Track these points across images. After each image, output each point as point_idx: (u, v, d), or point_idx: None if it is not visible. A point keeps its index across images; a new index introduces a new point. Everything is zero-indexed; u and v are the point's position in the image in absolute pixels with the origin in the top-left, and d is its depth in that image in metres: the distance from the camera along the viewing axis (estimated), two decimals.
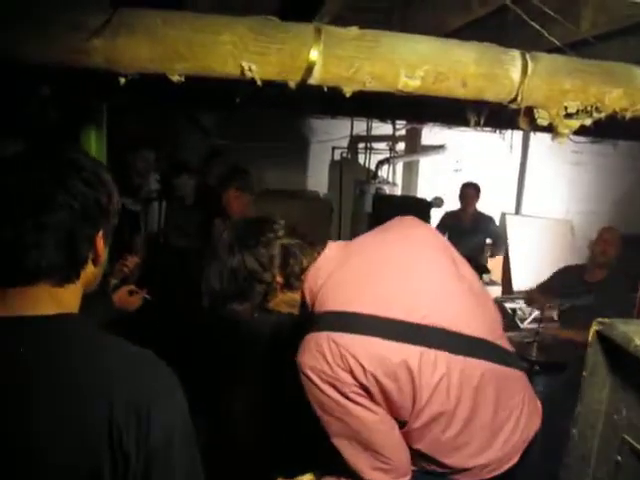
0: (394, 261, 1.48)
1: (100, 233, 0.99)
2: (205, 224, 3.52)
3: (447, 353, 1.37)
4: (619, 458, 0.95)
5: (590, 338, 0.99)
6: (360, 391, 1.33)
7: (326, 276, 1.45)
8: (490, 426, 1.43)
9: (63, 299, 0.97)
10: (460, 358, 1.38)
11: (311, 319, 1.44)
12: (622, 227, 6.47)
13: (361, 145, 6.66)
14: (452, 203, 5.31)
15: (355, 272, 1.45)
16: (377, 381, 1.32)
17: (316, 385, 1.33)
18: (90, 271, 1.01)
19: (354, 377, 1.31)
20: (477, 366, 1.40)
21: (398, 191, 6.51)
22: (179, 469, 0.95)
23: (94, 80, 1.71)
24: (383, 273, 1.44)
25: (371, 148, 6.64)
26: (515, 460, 1.46)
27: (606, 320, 0.98)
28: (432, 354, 1.35)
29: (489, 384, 1.41)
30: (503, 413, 1.44)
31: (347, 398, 1.33)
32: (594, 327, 0.98)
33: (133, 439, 0.90)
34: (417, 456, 1.45)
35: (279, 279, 1.50)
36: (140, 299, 2.61)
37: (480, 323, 1.48)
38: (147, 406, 0.91)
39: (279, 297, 1.55)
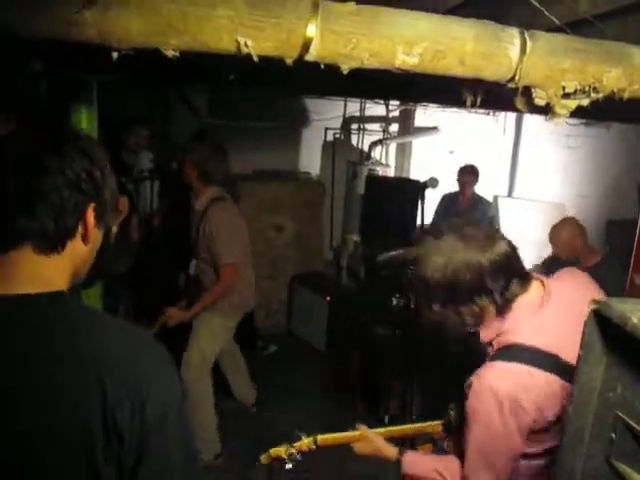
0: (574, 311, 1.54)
1: (91, 207, 0.98)
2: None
3: None
4: (613, 435, 0.96)
5: (586, 317, 0.99)
6: (533, 425, 1.46)
7: (526, 311, 1.55)
8: None
9: (49, 276, 0.96)
10: None
11: (506, 348, 1.53)
12: (614, 211, 6.55)
13: (354, 126, 6.63)
14: (445, 185, 5.30)
15: (555, 318, 1.53)
16: (554, 415, 1.45)
17: (500, 409, 1.43)
18: (79, 248, 1.00)
19: (541, 412, 1.44)
20: None
21: (391, 172, 6.51)
22: (173, 448, 0.95)
23: (86, 55, 1.68)
24: (570, 322, 1.48)
25: (364, 129, 6.61)
26: None
27: (602, 299, 0.98)
28: None
29: None
30: None
31: (518, 427, 1.45)
32: (591, 306, 0.98)
33: (127, 419, 0.89)
34: None
35: None
36: None
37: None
38: (141, 386, 0.91)
39: None
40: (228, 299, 3.30)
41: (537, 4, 1.60)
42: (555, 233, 3.51)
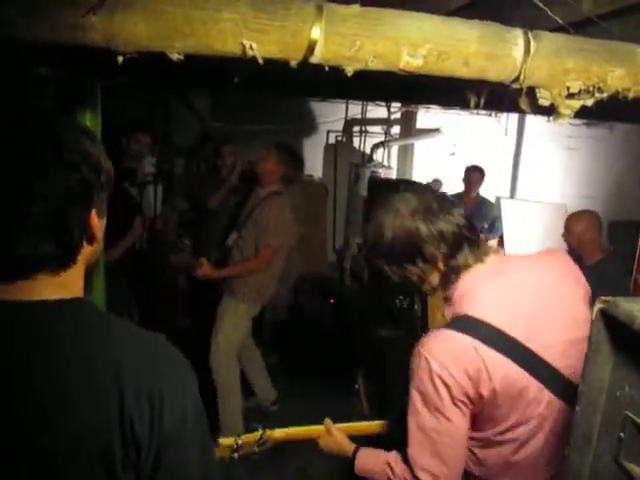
0: (539, 288, 1.52)
1: (93, 212, 0.95)
2: None
3: (552, 395, 1.45)
4: (622, 434, 0.96)
5: (593, 316, 0.99)
6: (467, 400, 1.40)
7: (479, 281, 1.51)
8: (542, 466, 1.52)
9: (66, 283, 0.95)
10: (558, 402, 1.46)
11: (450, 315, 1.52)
12: (617, 212, 6.54)
13: (356, 128, 6.64)
14: (447, 186, 5.31)
15: (506, 291, 1.50)
16: (494, 397, 1.40)
17: (432, 379, 1.39)
18: (87, 250, 0.98)
19: (476, 389, 1.38)
20: (564, 410, 1.46)
21: (393, 174, 6.51)
22: (191, 454, 0.95)
23: (90, 59, 1.68)
24: (528, 298, 1.49)
25: (366, 131, 6.63)
26: None
27: (609, 298, 0.98)
28: (546, 395, 1.44)
29: (562, 427, 1.46)
30: (555, 461, 1.49)
31: (453, 402, 1.40)
32: (597, 305, 0.98)
33: (146, 425, 0.89)
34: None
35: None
36: None
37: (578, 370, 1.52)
38: (159, 391, 0.90)
39: None
40: (253, 287, 3.51)
41: (541, 4, 1.60)
42: (571, 221, 3.53)
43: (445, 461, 1.44)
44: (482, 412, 1.45)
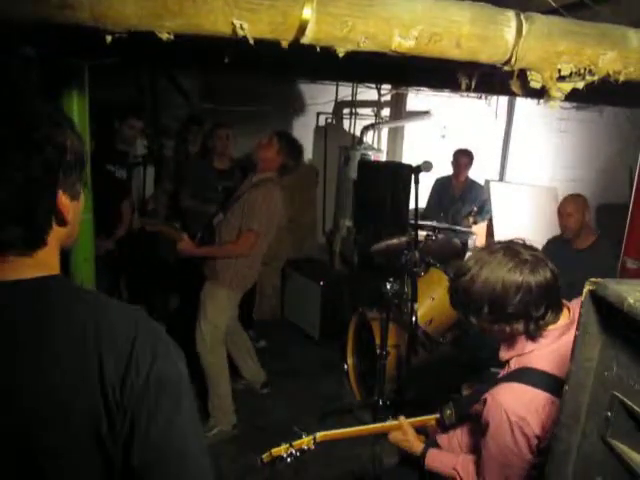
0: None
1: (60, 193, 0.93)
2: None
3: None
4: (609, 414, 0.97)
5: (583, 298, 1.00)
6: (540, 443, 1.52)
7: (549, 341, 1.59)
8: None
9: (40, 263, 0.95)
10: None
11: (520, 369, 1.59)
12: (605, 195, 6.58)
13: (346, 110, 6.60)
14: (437, 169, 5.30)
15: (563, 347, 1.54)
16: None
17: (512, 431, 1.51)
18: (59, 232, 0.97)
19: (546, 433, 1.49)
20: None
21: (383, 157, 6.50)
22: (168, 433, 0.92)
23: (77, 39, 1.66)
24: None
25: (356, 114, 6.59)
26: None
27: (599, 280, 0.99)
28: None
29: None
30: None
31: (529, 448, 1.53)
32: (587, 287, 0.99)
33: (126, 391, 0.89)
34: None
35: None
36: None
37: None
38: (135, 356, 0.90)
39: None
40: (234, 272, 3.46)
41: None
42: (567, 205, 3.58)
43: None
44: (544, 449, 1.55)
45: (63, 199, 0.94)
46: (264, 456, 1.92)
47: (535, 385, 1.52)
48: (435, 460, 1.90)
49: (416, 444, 1.95)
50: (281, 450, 1.90)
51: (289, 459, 1.90)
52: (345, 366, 4.24)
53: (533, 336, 1.58)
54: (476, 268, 1.55)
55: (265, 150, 3.52)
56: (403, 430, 1.98)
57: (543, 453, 1.55)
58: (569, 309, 1.64)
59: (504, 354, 1.67)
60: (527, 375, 1.55)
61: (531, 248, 1.59)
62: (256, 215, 3.37)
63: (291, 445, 1.90)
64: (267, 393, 4.09)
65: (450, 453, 1.93)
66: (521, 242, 1.62)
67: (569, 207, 3.54)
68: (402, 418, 2.00)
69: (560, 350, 1.54)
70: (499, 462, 1.60)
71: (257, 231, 3.38)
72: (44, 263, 0.95)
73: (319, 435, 1.94)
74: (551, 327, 1.58)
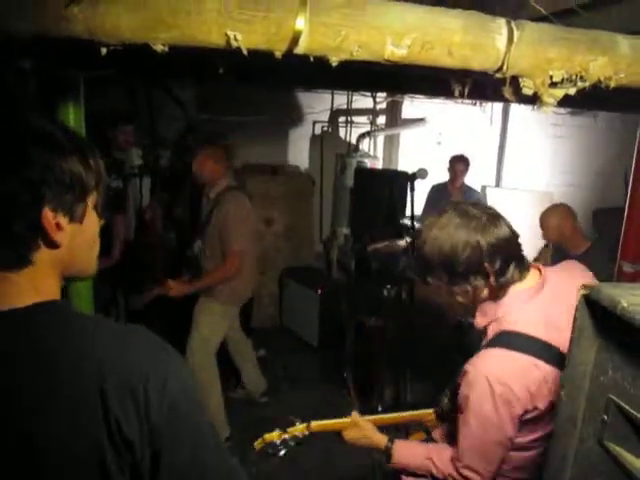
0: (568, 298, 1.48)
1: (45, 212, 0.90)
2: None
3: None
4: (605, 417, 0.98)
5: (577, 302, 1.01)
6: (523, 413, 1.47)
7: (522, 300, 1.56)
8: None
9: (29, 284, 0.92)
10: None
11: (500, 333, 1.54)
12: (601, 199, 6.60)
13: (342, 119, 6.63)
14: (433, 175, 5.32)
15: (545, 306, 1.54)
16: (548, 408, 1.46)
17: (494, 399, 1.45)
18: (52, 255, 0.93)
19: (534, 403, 1.46)
20: None
21: (379, 164, 6.52)
22: (191, 440, 0.92)
23: (72, 51, 1.67)
24: (562, 309, 1.46)
25: (352, 122, 6.62)
26: None
27: (593, 284, 1.00)
28: None
29: None
30: None
31: (511, 418, 1.47)
32: (581, 292, 1.00)
33: (134, 423, 0.86)
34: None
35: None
36: None
37: None
38: (143, 386, 0.87)
39: None
40: (229, 286, 3.40)
41: None
42: (544, 218, 3.54)
43: (491, 462, 1.53)
44: (529, 420, 1.51)
45: (49, 217, 0.90)
46: (256, 443, 1.87)
47: (516, 348, 1.46)
48: (404, 452, 1.74)
49: (377, 437, 1.80)
50: (274, 436, 1.84)
51: (283, 450, 1.83)
52: (344, 373, 4.23)
53: (497, 293, 1.55)
54: (427, 230, 1.56)
55: (204, 169, 3.43)
56: (358, 426, 1.84)
57: (525, 425, 1.51)
58: (540, 271, 1.62)
59: (479, 321, 1.62)
60: (506, 339, 1.49)
61: (483, 206, 1.60)
62: (233, 234, 3.31)
63: (285, 431, 1.84)
64: (266, 402, 4.09)
65: (422, 443, 1.81)
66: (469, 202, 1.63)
67: (544, 221, 3.53)
68: (354, 413, 1.87)
69: (536, 311, 1.51)
70: (478, 438, 1.51)
71: (240, 250, 3.33)
72: (36, 287, 0.92)
73: (314, 424, 1.87)
74: (520, 287, 1.55)
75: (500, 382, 1.43)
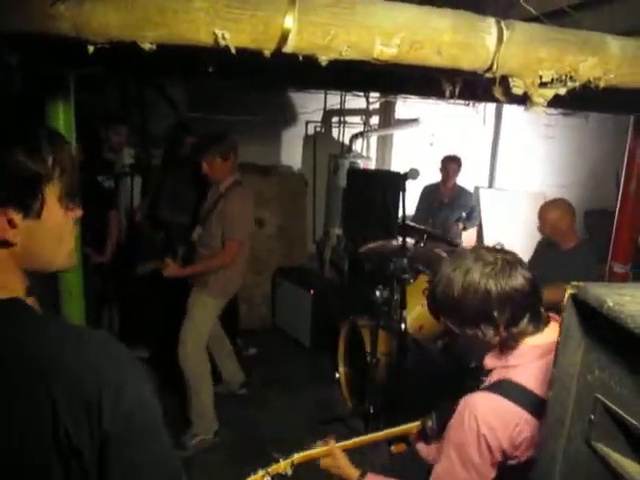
0: None
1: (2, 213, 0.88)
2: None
3: None
4: (592, 417, 0.97)
5: (564, 302, 1.01)
6: (503, 459, 1.49)
7: (533, 355, 1.53)
8: None
9: None
10: None
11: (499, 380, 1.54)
12: (593, 200, 6.62)
13: (335, 119, 6.63)
14: (426, 176, 5.32)
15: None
16: (528, 459, 1.46)
17: (478, 439, 1.46)
18: (6, 252, 0.91)
19: (515, 453, 1.47)
20: None
21: (372, 165, 6.52)
22: (141, 458, 0.88)
23: (61, 48, 1.66)
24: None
25: (345, 122, 6.62)
26: None
27: (580, 284, 1.00)
28: None
29: None
30: None
31: (492, 462, 1.48)
32: (569, 291, 1.00)
33: (85, 434, 0.83)
34: None
35: None
36: None
37: None
38: (97, 394, 0.83)
39: None
40: (222, 277, 3.49)
41: None
42: (544, 211, 3.55)
43: None
44: (509, 466, 1.50)
45: (4, 217, 0.88)
46: None
47: (512, 399, 1.45)
48: None
49: (349, 470, 1.81)
50: (257, 478, 1.79)
51: None
52: (336, 374, 4.23)
53: (506, 344, 1.53)
54: (443, 269, 1.55)
55: (212, 171, 3.52)
56: (333, 455, 1.84)
57: (503, 471, 1.51)
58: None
59: (488, 362, 1.62)
60: (506, 388, 1.49)
61: (503, 252, 1.56)
62: (236, 223, 3.44)
63: (267, 472, 1.79)
64: (260, 402, 4.08)
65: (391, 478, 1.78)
66: (497, 246, 1.61)
67: (543, 213, 3.55)
68: (332, 442, 1.87)
69: (546, 368, 1.48)
70: (456, 474, 1.51)
71: (240, 239, 3.45)
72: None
73: (296, 457, 1.83)
74: (535, 341, 1.53)
75: (488, 426, 1.44)
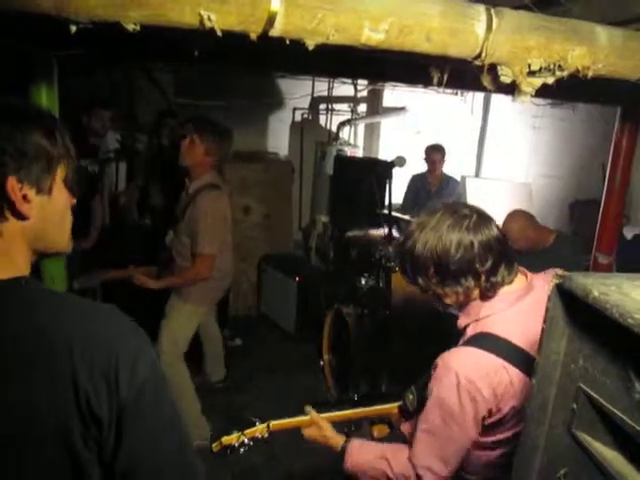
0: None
1: (10, 180, 0.91)
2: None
3: None
4: (574, 406, 0.98)
5: (549, 292, 1.01)
6: (487, 415, 1.48)
7: (507, 303, 1.55)
8: None
9: (1, 259, 0.92)
10: None
11: (477, 334, 1.54)
12: (579, 191, 6.66)
13: (322, 106, 6.59)
14: (413, 165, 5.32)
15: (525, 312, 1.52)
16: (511, 412, 1.48)
17: (459, 394, 1.45)
18: (20, 226, 0.94)
19: (498, 406, 1.47)
20: None
21: (359, 153, 6.51)
22: (154, 424, 0.93)
23: (44, 28, 1.62)
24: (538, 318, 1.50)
25: (332, 109, 6.58)
26: None
27: (565, 273, 1.00)
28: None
29: None
30: None
31: (474, 417, 1.47)
32: (553, 281, 1.00)
33: (104, 401, 0.87)
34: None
35: None
36: None
37: None
38: (114, 364, 0.88)
39: None
40: (200, 288, 3.25)
41: None
42: (506, 230, 3.51)
43: (449, 463, 1.52)
44: (492, 422, 1.51)
45: (15, 188, 0.92)
46: (214, 445, 1.79)
47: (489, 350, 1.46)
48: (360, 453, 1.70)
49: (334, 439, 1.79)
50: (232, 439, 1.77)
51: (242, 449, 1.77)
52: (321, 362, 4.24)
53: (487, 294, 1.54)
54: (417, 231, 1.56)
55: (191, 155, 3.16)
56: (317, 425, 1.82)
57: (487, 429, 1.52)
58: (526, 275, 1.62)
59: (461, 321, 1.62)
60: (482, 340, 1.49)
61: (473, 207, 1.60)
62: (204, 237, 3.11)
63: (243, 433, 1.77)
64: (245, 390, 4.07)
65: (378, 443, 1.77)
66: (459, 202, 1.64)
67: (508, 232, 3.43)
68: (312, 412, 1.84)
69: (517, 316, 1.51)
70: (439, 435, 1.50)
71: (210, 254, 3.15)
72: (6, 261, 0.93)
73: (273, 423, 1.82)
74: (506, 289, 1.55)
75: (468, 379, 1.44)
